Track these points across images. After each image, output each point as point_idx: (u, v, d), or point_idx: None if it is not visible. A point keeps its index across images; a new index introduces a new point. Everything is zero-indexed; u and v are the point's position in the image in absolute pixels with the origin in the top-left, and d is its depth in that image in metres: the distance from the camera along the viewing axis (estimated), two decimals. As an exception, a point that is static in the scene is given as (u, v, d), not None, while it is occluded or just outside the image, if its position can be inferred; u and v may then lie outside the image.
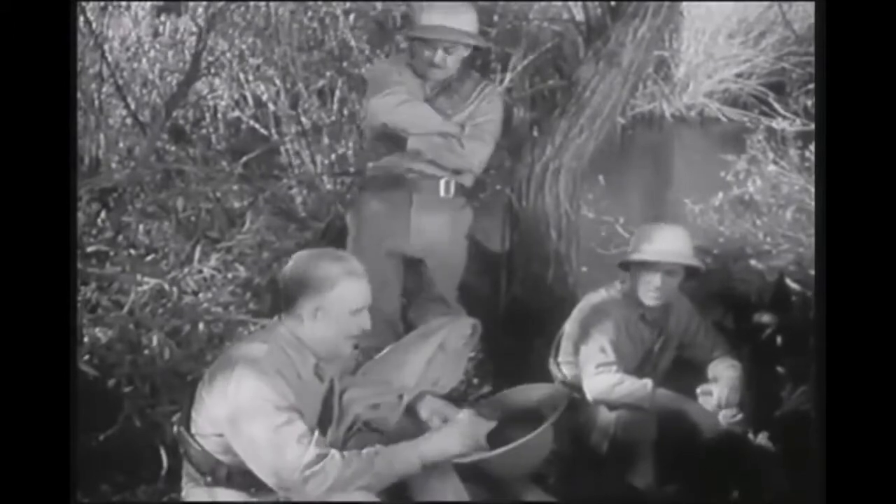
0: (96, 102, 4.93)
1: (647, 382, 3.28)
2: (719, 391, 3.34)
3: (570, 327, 3.49)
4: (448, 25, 3.48)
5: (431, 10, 3.50)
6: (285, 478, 2.34)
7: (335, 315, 2.51)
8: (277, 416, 2.35)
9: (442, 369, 2.94)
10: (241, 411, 2.38)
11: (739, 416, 3.31)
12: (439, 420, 2.84)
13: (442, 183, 3.61)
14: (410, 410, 2.84)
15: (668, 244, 3.37)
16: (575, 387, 3.40)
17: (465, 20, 3.52)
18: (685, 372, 3.50)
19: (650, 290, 3.38)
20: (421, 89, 3.58)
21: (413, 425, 2.85)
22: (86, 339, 3.45)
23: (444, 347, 2.93)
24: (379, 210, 3.65)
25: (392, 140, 3.58)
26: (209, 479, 2.50)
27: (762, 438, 3.40)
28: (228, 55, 5.75)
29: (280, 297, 2.58)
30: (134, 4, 6.15)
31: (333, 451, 2.35)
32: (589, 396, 3.34)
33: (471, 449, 2.53)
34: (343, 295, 2.51)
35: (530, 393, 3.30)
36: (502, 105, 3.73)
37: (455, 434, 2.52)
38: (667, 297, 3.40)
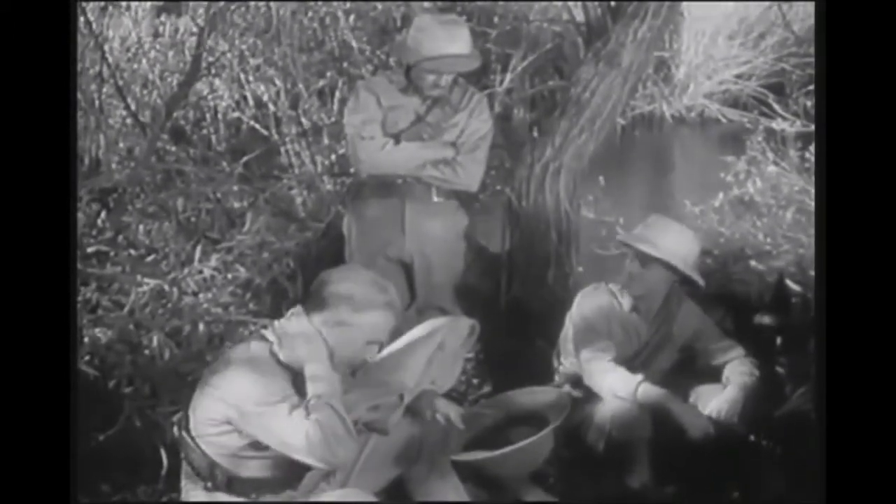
0: (96, 103, 4.93)
1: (638, 376, 3.29)
2: (719, 405, 3.31)
3: (568, 319, 3.51)
4: (453, 53, 3.48)
5: (430, 39, 3.48)
6: (318, 455, 2.35)
7: (352, 337, 2.53)
8: (283, 406, 2.37)
9: (440, 369, 2.95)
10: (249, 412, 2.39)
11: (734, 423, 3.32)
12: (442, 418, 2.85)
13: (434, 187, 3.62)
14: (411, 410, 2.84)
15: (667, 240, 3.36)
16: (573, 378, 3.43)
17: (463, 43, 3.51)
18: (686, 375, 3.49)
19: (627, 278, 3.41)
20: (412, 107, 3.58)
21: (414, 425, 2.85)
22: (86, 340, 3.45)
23: (444, 347, 2.93)
24: (374, 217, 3.64)
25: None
26: (209, 484, 2.51)
27: (762, 438, 3.40)
28: (229, 56, 5.76)
29: (311, 296, 2.59)
30: (134, 4, 6.16)
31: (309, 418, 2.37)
32: (586, 383, 3.36)
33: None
34: (370, 323, 2.54)
35: (536, 396, 3.31)
36: (490, 115, 3.74)
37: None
38: (642, 289, 3.40)
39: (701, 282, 3.44)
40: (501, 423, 3.24)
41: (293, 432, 2.35)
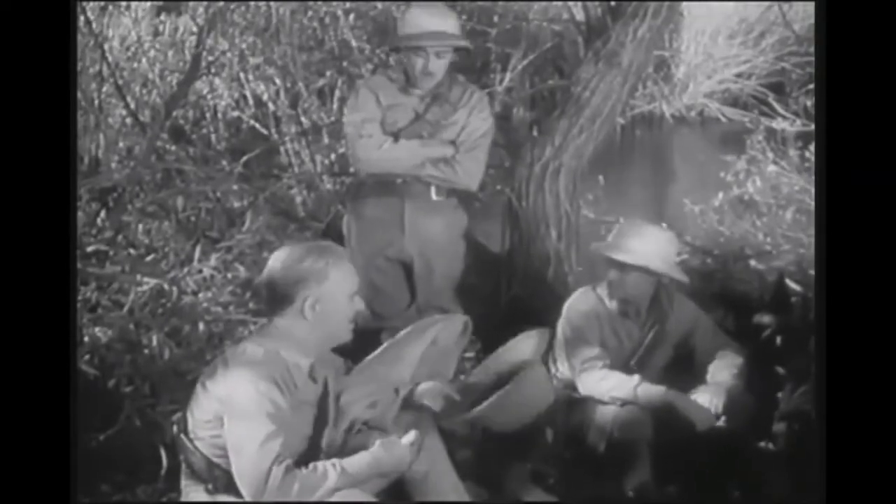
0: (96, 102, 4.93)
1: (634, 377, 3.29)
2: (709, 398, 3.31)
3: (559, 326, 3.51)
4: (436, 30, 3.46)
5: (414, 17, 3.48)
6: (253, 487, 2.35)
7: (334, 304, 2.52)
8: (263, 427, 2.36)
9: (434, 366, 2.95)
10: (232, 414, 2.39)
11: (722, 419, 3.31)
12: (433, 405, 2.84)
13: (433, 186, 3.61)
14: (409, 404, 2.84)
15: (641, 244, 3.36)
16: (571, 384, 3.43)
17: (450, 23, 3.51)
18: (685, 371, 3.49)
19: (609, 287, 3.42)
20: (411, 105, 3.57)
21: (412, 419, 2.85)
22: (86, 339, 3.45)
23: (437, 343, 2.94)
24: (373, 217, 3.63)
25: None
26: (210, 486, 2.50)
27: (762, 438, 3.40)
28: (228, 55, 5.76)
29: (270, 298, 2.57)
30: (134, 4, 6.14)
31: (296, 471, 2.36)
32: (581, 392, 3.36)
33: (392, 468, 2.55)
34: (338, 283, 2.52)
35: (518, 344, 3.34)
36: (490, 113, 3.72)
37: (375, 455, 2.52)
38: (625, 294, 3.40)
39: (684, 279, 3.44)
40: (493, 385, 3.24)
41: (254, 462, 2.34)
